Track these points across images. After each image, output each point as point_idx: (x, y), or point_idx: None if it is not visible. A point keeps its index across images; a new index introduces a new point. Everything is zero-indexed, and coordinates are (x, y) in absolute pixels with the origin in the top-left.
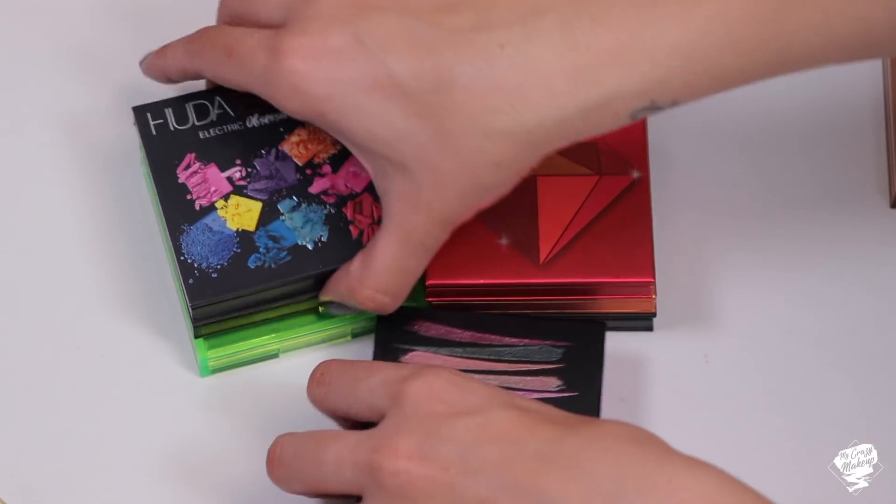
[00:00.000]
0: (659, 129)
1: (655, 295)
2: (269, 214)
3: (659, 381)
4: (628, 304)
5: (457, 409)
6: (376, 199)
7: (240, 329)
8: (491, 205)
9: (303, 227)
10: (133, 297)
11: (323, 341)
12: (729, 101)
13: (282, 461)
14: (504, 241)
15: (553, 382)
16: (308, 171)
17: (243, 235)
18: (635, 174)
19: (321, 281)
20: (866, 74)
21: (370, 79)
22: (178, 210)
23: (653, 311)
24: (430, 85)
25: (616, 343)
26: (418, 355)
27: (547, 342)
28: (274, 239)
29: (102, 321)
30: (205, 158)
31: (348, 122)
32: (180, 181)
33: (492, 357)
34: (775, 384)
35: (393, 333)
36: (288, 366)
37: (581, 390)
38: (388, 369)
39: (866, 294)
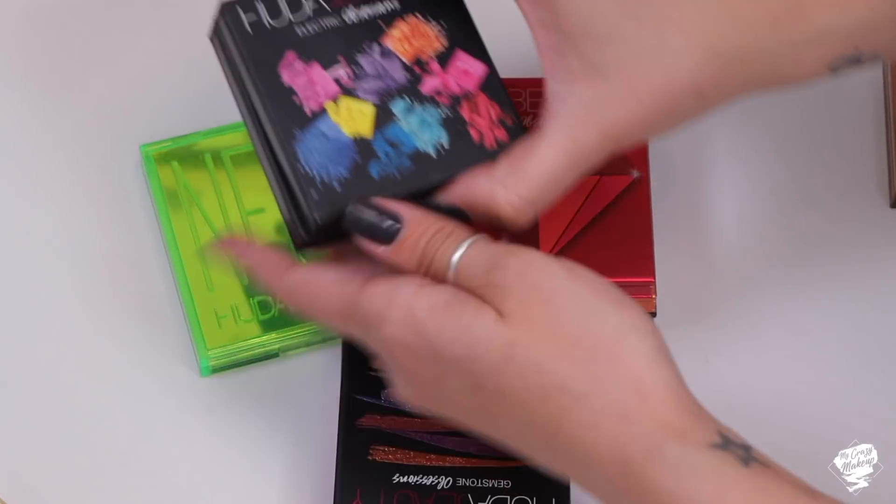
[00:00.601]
0: None
1: (655, 295)
2: (383, 118)
3: None
4: None
5: (420, 378)
6: (491, 98)
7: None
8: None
9: (421, 131)
10: (134, 297)
11: (323, 341)
12: None
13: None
14: (504, 242)
15: None
16: (416, 69)
17: (360, 142)
18: (635, 174)
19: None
20: (866, 75)
21: None
22: (287, 115)
23: (653, 311)
24: None
25: None
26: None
27: None
28: (393, 145)
29: (103, 321)
30: (306, 57)
31: (569, 4)
32: (284, 82)
33: None
34: (775, 384)
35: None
36: (288, 366)
37: None
38: (335, 320)
39: (866, 294)
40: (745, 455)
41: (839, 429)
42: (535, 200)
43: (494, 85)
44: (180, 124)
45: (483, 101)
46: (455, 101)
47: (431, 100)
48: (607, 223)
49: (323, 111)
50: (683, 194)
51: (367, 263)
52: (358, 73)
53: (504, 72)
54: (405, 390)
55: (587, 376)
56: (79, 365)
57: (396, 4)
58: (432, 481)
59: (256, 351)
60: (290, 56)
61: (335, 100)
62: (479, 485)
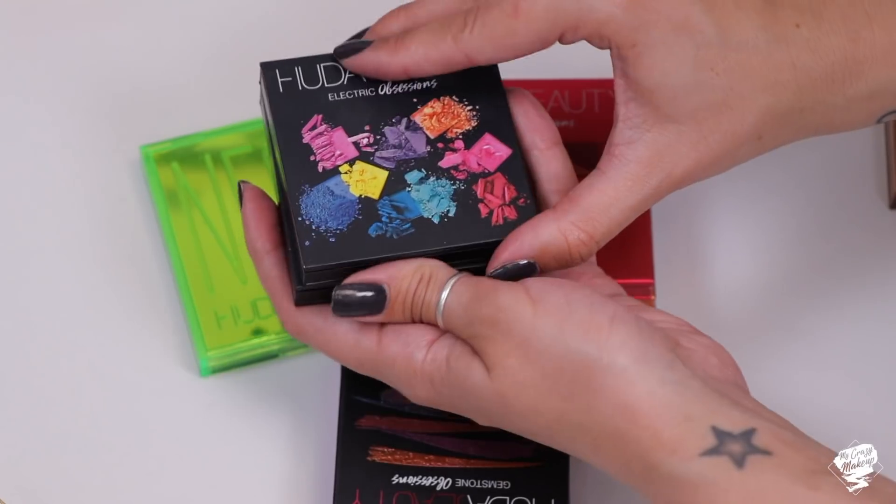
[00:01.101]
0: None
1: (655, 295)
2: (394, 184)
3: None
4: None
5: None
6: (509, 180)
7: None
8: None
9: (429, 201)
10: (134, 298)
11: None
12: None
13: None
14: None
15: None
16: (439, 145)
17: (366, 202)
18: None
19: (444, 258)
20: None
21: (682, 16)
22: (300, 170)
23: None
24: (731, 40)
25: None
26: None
27: None
28: (398, 209)
29: (103, 321)
30: (332, 121)
31: (650, 59)
32: (304, 141)
33: None
34: (775, 384)
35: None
36: (288, 366)
37: None
38: (351, 365)
39: (866, 294)
40: (743, 449)
41: (839, 429)
42: (602, 240)
43: (515, 168)
44: (180, 124)
45: (500, 181)
46: (472, 177)
47: (448, 174)
48: None
49: (336, 171)
50: (682, 195)
51: None
52: (380, 141)
53: (505, 72)
54: None
55: (577, 409)
56: (79, 365)
57: (434, 84)
58: (431, 482)
59: (256, 351)
60: (317, 118)
61: (351, 162)
62: (479, 486)
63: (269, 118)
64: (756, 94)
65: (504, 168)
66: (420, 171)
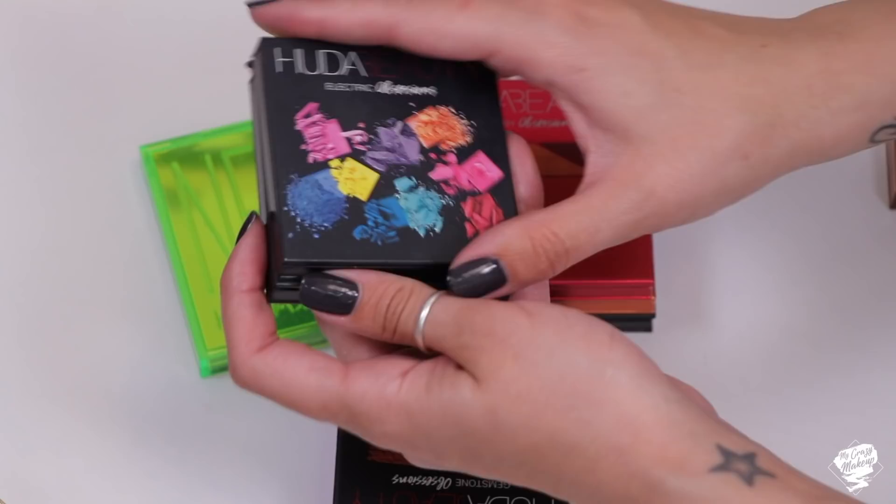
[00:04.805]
0: None
1: (655, 296)
2: (383, 188)
3: None
4: (628, 304)
5: (421, 456)
6: (498, 202)
7: None
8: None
9: (417, 211)
10: (133, 297)
11: (324, 341)
12: None
13: None
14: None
15: None
16: (432, 155)
17: (353, 203)
18: None
19: (424, 274)
20: None
21: (638, 44)
22: (290, 158)
23: (652, 312)
24: (694, 62)
25: None
26: None
27: None
28: (384, 215)
29: (103, 321)
30: (328, 112)
31: (604, 82)
32: (297, 128)
33: None
34: (775, 384)
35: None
36: None
37: None
38: (313, 413)
39: (866, 294)
40: (750, 469)
41: (839, 429)
42: (571, 243)
43: (505, 192)
44: (180, 124)
45: (489, 203)
46: (461, 194)
47: (437, 187)
48: None
49: (326, 164)
50: None
51: (338, 340)
52: (373, 141)
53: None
54: (407, 457)
55: (574, 424)
56: (78, 365)
57: (434, 92)
58: (431, 482)
59: None
60: (312, 106)
61: (342, 158)
62: (479, 485)
63: (262, 98)
64: (730, 109)
65: (494, 190)
66: (410, 178)
